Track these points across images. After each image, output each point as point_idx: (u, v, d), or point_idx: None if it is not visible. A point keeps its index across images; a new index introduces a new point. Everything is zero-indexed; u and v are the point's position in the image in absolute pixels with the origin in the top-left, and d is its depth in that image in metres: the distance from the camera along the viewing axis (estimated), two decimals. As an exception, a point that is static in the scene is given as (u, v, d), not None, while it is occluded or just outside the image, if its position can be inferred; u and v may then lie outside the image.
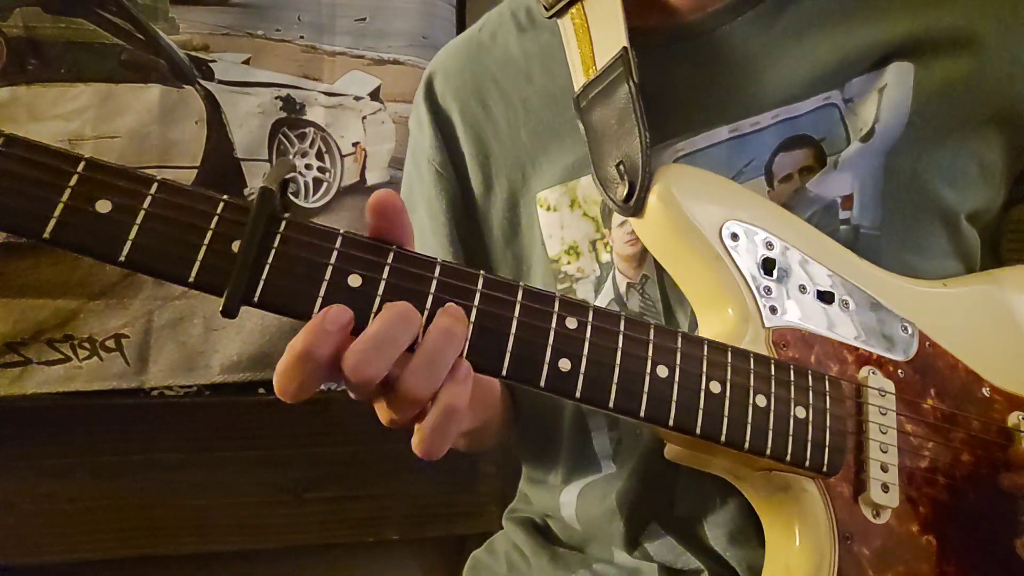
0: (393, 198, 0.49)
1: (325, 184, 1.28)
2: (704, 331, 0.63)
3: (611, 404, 0.52)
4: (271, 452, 1.30)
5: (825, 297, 0.62)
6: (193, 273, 0.45)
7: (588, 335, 0.52)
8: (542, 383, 0.50)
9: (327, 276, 0.47)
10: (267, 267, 0.46)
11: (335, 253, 0.47)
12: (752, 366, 0.56)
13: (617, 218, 0.70)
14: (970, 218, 0.70)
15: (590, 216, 0.72)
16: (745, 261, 0.61)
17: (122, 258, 0.44)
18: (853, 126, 0.68)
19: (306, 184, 1.27)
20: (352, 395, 0.49)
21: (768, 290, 0.61)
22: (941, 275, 0.68)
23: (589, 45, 0.70)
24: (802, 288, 0.62)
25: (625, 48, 0.66)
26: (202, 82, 1.22)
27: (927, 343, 0.64)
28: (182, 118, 1.21)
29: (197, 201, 0.46)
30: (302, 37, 1.28)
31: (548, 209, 0.74)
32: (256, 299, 0.46)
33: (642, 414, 0.52)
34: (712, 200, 0.62)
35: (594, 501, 0.75)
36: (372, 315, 0.47)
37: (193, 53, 1.22)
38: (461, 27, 1.37)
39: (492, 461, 1.39)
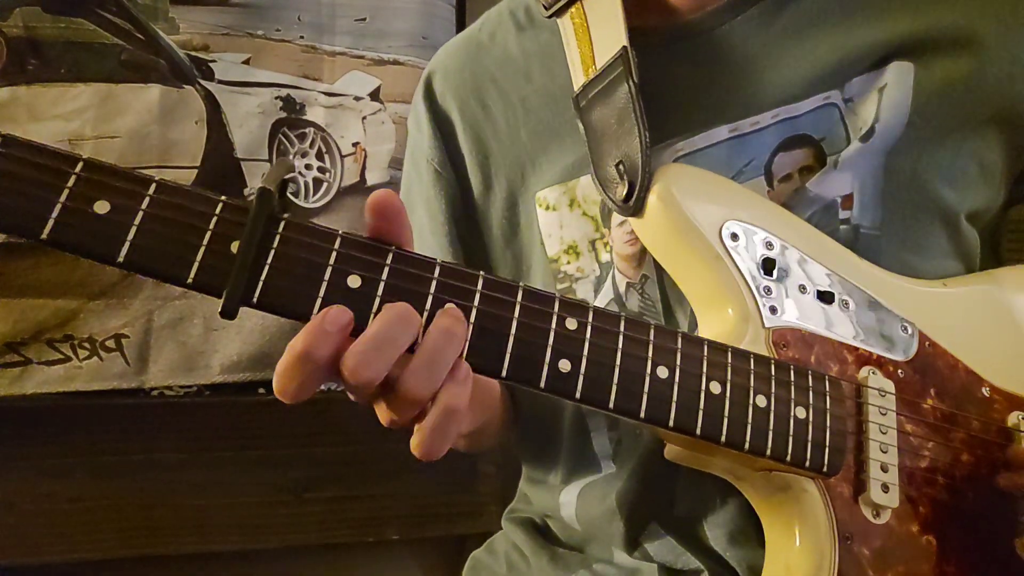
0: (392, 198, 0.49)
1: (325, 184, 1.28)
2: (704, 331, 0.63)
3: (611, 405, 0.52)
4: (271, 452, 1.30)
5: (825, 297, 0.62)
6: (192, 274, 0.45)
7: (588, 336, 0.52)
8: (542, 384, 0.50)
9: (326, 277, 0.47)
10: (266, 268, 0.46)
11: (334, 254, 0.47)
12: (752, 366, 0.56)
13: (616, 218, 0.70)
14: (970, 218, 0.70)
15: (589, 216, 0.72)
16: (745, 261, 0.61)
17: (120, 259, 0.44)
18: (853, 126, 0.68)
19: (306, 184, 1.27)
20: (352, 397, 0.49)
21: (768, 290, 0.61)
22: (941, 275, 0.68)
23: (589, 44, 0.70)
24: (802, 288, 0.62)
25: (625, 48, 0.66)
26: (202, 82, 1.22)
27: (927, 343, 0.64)
28: (182, 118, 1.21)
29: (196, 202, 0.46)
30: (302, 37, 1.28)
31: (547, 209, 0.74)
32: (255, 300, 0.46)
33: (642, 415, 0.52)
34: (712, 200, 0.62)
35: (594, 501, 0.75)
36: (372, 316, 0.47)
37: (193, 53, 1.22)
38: (461, 27, 1.37)
39: (492, 461, 1.39)
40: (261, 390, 1.23)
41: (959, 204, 0.68)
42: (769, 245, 0.62)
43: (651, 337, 0.54)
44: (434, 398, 0.47)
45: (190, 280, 0.45)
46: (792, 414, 0.56)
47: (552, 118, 0.75)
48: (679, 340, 0.55)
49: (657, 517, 0.71)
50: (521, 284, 0.51)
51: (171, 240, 0.45)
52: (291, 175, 1.27)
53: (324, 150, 1.28)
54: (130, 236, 0.44)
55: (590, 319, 0.52)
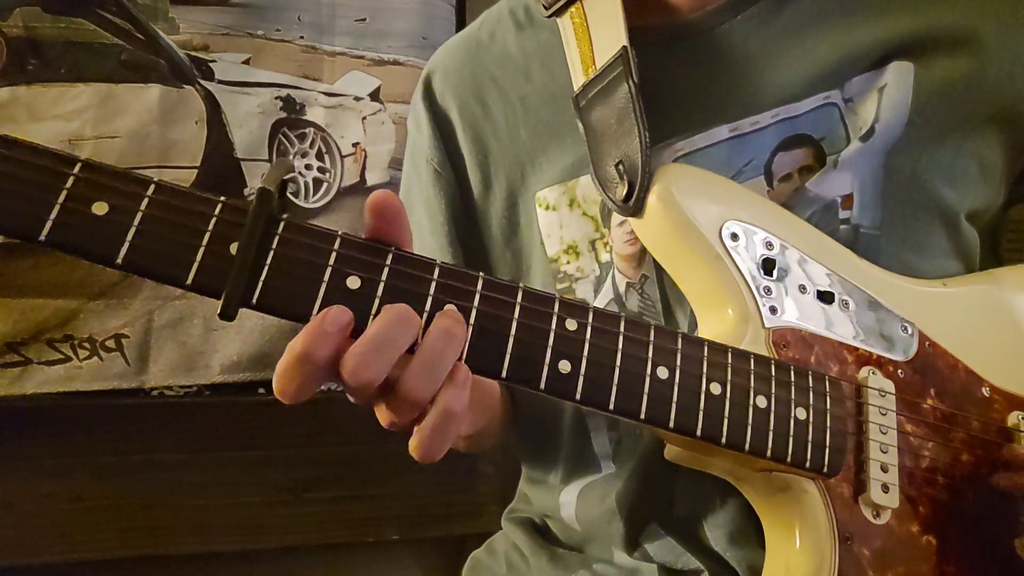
0: (391, 199, 0.49)
1: (325, 184, 1.28)
2: (704, 331, 0.63)
3: (611, 406, 0.51)
4: (271, 452, 1.30)
5: (825, 297, 0.62)
6: (191, 275, 0.45)
7: (588, 336, 0.52)
8: (542, 385, 0.50)
9: (326, 278, 0.47)
10: (265, 269, 0.46)
11: (334, 255, 0.47)
12: (752, 367, 0.56)
13: (616, 218, 0.70)
14: (970, 217, 0.70)
15: (589, 216, 0.72)
16: (745, 261, 0.61)
17: (119, 260, 0.44)
18: (853, 125, 0.68)
19: (306, 184, 1.27)
20: (351, 398, 0.49)
21: (768, 290, 0.61)
22: (941, 275, 0.68)
23: (588, 44, 0.70)
24: (802, 288, 0.62)
25: (625, 47, 0.66)
26: (202, 82, 1.22)
27: (927, 343, 0.64)
28: (182, 118, 1.20)
29: (195, 203, 0.46)
30: (302, 37, 1.28)
31: (547, 208, 0.74)
32: (254, 301, 0.46)
33: (642, 416, 0.52)
34: (712, 200, 0.62)
35: (594, 501, 0.75)
36: (371, 317, 0.47)
37: (193, 53, 1.22)
38: (461, 27, 1.37)
39: (492, 461, 1.39)
40: (261, 390, 1.23)
41: (959, 204, 0.68)
42: (769, 245, 0.62)
43: (651, 338, 0.54)
44: (433, 400, 0.47)
45: (189, 281, 0.45)
46: (792, 415, 0.56)
47: (552, 118, 0.75)
48: (679, 341, 0.55)
49: (657, 517, 0.71)
50: (521, 285, 0.51)
51: (170, 241, 0.45)
52: (291, 175, 1.26)
53: (324, 150, 1.28)
54: (129, 237, 0.44)
55: (590, 320, 0.52)
